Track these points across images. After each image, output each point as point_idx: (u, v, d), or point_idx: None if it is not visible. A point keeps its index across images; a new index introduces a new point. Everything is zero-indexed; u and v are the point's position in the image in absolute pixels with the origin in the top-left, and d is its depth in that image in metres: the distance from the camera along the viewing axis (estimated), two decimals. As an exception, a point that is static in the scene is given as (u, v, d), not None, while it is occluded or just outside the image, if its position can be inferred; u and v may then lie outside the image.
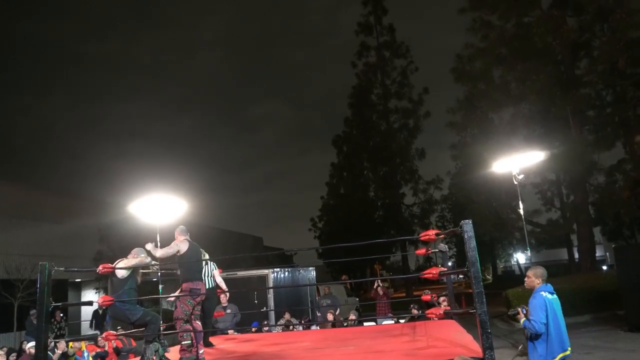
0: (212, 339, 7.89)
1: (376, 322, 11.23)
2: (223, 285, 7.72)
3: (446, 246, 9.52)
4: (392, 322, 10.62)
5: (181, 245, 6.02)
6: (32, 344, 8.75)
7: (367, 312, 17.67)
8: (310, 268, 16.49)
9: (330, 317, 10.49)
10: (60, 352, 9.42)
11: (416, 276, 6.81)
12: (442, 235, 5.80)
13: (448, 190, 37.10)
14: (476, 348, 4.58)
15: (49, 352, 7.00)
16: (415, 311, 10.56)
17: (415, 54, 36.59)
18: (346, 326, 10.26)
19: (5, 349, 9.61)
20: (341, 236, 33.00)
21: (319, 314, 12.28)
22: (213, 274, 7.42)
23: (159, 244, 6.87)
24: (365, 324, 10.92)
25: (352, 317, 11.15)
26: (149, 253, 5.97)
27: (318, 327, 10.72)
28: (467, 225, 4.38)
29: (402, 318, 10.61)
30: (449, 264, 14.35)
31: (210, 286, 7.26)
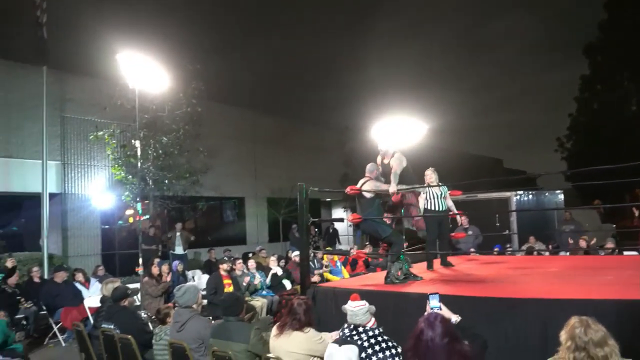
0: (454, 259, 8.03)
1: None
2: (453, 209, 7.59)
3: None
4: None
5: (401, 155, 6.29)
6: (296, 253, 10.12)
7: (627, 240, 15.81)
8: (558, 191, 15.35)
9: (582, 243, 9.68)
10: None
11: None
12: None
13: None
14: None
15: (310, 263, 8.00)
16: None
17: None
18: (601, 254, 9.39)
19: (275, 255, 11.28)
20: (593, 157, 29.66)
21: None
22: (445, 196, 7.30)
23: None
24: (626, 253, 9.83)
25: (610, 245, 10.12)
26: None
27: (567, 254, 10.04)
28: None
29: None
30: None
31: (443, 208, 7.20)
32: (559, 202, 15.04)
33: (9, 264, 8.51)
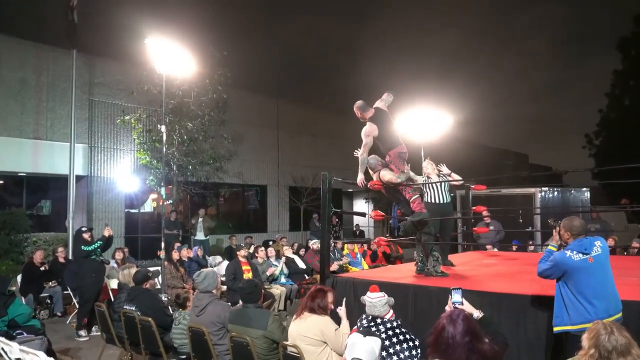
0: (475, 254, 7.92)
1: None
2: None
3: None
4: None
5: (369, 127, 5.97)
6: (315, 241, 10.12)
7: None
8: (584, 189, 15.03)
9: (611, 242, 9.46)
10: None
11: None
12: None
13: None
14: None
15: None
16: None
17: None
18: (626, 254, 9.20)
19: (295, 245, 11.31)
20: (622, 155, 28.98)
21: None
22: (449, 188, 6.81)
23: (424, 157, 6.80)
24: (652, 254, 9.60)
25: (636, 244, 9.91)
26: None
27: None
28: None
29: None
30: None
31: (446, 201, 6.66)
32: (585, 200, 14.74)
33: (106, 232, 8.14)
